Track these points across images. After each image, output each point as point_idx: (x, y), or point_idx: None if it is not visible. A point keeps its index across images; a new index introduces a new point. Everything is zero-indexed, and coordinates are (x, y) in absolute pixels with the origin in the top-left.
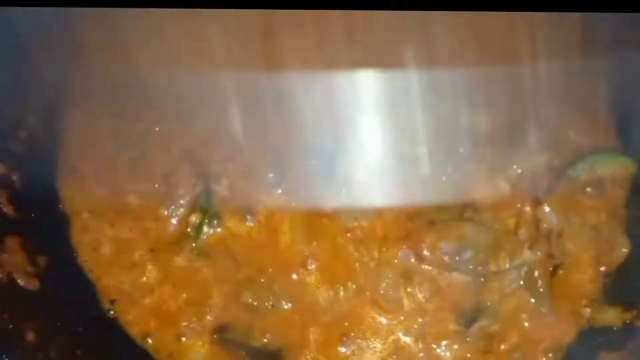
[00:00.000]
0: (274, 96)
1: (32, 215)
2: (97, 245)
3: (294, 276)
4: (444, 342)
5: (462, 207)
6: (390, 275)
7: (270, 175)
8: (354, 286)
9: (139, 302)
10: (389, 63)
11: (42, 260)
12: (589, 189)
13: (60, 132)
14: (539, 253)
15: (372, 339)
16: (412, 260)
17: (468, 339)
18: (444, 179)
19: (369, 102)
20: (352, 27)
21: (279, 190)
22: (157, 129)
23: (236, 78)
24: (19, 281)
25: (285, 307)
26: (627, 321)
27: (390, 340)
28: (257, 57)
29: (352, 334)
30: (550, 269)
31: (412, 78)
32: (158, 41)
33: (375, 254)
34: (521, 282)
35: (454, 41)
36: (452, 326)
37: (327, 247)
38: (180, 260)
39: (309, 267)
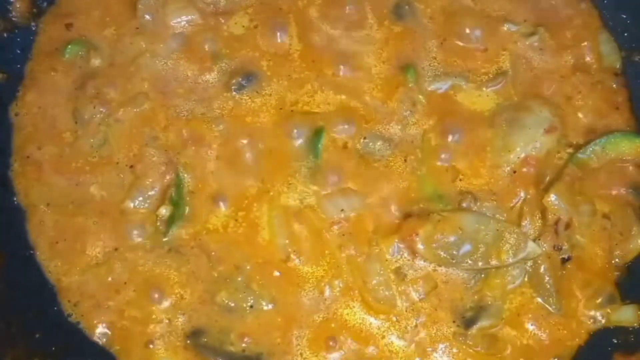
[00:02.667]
0: None
1: None
2: (56, 242)
3: (275, 274)
4: (441, 346)
5: (459, 195)
6: (380, 272)
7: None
8: (341, 284)
9: (103, 304)
10: None
11: None
12: (599, 174)
13: (14, 117)
14: (545, 246)
15: (362, 343)
16: (405, 255)
17: (468, 342)
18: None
19: None
20: None
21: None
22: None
23: None
24: None
25: (266, 307)
26: None
27: (382, 343)
28: None
29: (340, 337)
30: (558, 263)
31: None
32: None
33: (365, 248)
34: (526, 278)
35: None
36: (449, 327)
37: (311, 241)
38: (149, 258)
39: (291, 264)
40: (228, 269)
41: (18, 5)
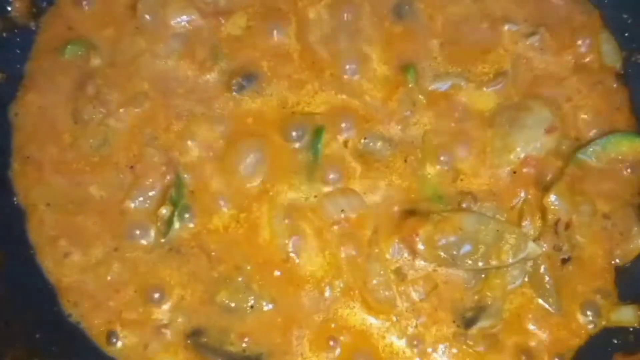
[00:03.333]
0: None
1: None
2: (56, 242)
3: (275, 274)
4: (441, 346)
5: (459, 195)
6: (381, 272)
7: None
8: (341, 284)
9: (103, 304)
10: None
11: None
12: (600, 174)
13: (14, 117)
14: (545, 246)
15: (362, 343)
16: (405, 255)
17: (468, 342)
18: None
19: None
20: None
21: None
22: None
23: None
24: None
25: (266, 308)
26: None
27: (382, 344)
28: None
29: (340, 338)
30: (558, 263)
31: None
32: None
33: (365, 248)
34: (526, 279)
35: None
36: (450, 328)
37: (312, 241)
38: (149, 258)
39: (291, 264)
40: (228, 269)
41: (18, 5)
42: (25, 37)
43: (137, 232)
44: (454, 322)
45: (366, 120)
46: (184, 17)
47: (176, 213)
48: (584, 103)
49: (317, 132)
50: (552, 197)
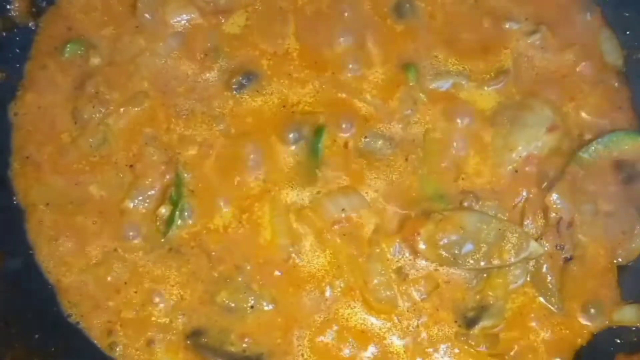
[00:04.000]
0: None
1: None
2: (55, 242)
3: (276, 274)
4: (442, 346)
5: (461, 194)
6: (382, 272)
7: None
8: (342, 284)
9: (102, 304)
10: None
11: None
12: (602, 173)
13: (14, 117)
14: (547, 245)
15: (363, 343)
16: (406, 254)
17: (470, 342)
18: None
19: None
20: None
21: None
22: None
23: None
24: None
25: (266, 308)
26: None
27: (383, 344)
28: None
29: (340, 338)
30: (560, 262)
31: None
32: None
33: (365, 248)
34: (528, 278)
35: None
36: (451, 327)
37: (312, 241)
38: (149, 258)
39: (291, 264)
40: (228, 269)
41: (17, 5)
42: (25, 37)
43: (137, 232)
44: (455, 322)
45: (367, 119)
46: (184, 16)
47: (177, 213)
48: (585, 101)
49: (318, 131)
50: (554, 196)
